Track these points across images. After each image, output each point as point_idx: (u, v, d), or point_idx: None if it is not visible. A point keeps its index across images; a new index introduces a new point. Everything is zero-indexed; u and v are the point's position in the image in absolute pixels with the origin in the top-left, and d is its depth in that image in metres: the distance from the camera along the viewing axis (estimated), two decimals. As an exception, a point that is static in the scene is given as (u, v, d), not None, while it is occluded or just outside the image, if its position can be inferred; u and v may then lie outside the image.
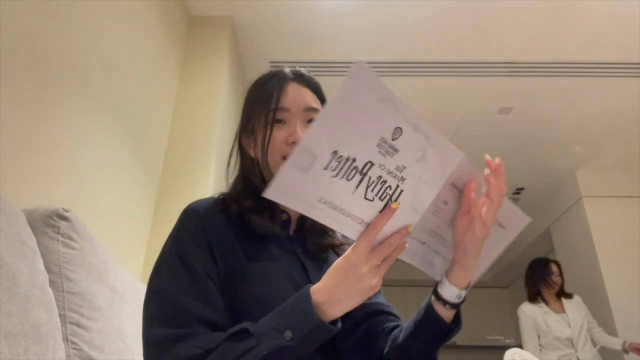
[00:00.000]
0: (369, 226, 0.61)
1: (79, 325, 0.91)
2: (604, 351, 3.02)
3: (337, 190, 0.57)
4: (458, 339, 5.65)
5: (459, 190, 0.65)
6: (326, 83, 0.92)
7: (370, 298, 0.70)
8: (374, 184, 0.58)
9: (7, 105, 1.13)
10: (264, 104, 0.84)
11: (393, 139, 0.56)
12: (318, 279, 0.82)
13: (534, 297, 3.10)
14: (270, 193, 0.54)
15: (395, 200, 0.61)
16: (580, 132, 3.58)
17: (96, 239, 1.09)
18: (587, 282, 3.79)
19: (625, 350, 2.91)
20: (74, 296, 0.93)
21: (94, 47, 1.56)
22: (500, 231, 0.71)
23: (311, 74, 0.91)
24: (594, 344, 3.00)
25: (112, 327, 1.00)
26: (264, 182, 0.84)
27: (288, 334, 0.62)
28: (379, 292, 0.90)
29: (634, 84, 3.06)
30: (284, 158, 0.81)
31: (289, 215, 0.86)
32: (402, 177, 0.59)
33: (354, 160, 0.56)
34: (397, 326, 0.84)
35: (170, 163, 2.24)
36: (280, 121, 0.83)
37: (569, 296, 3.11)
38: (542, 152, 3.85)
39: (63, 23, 1.37)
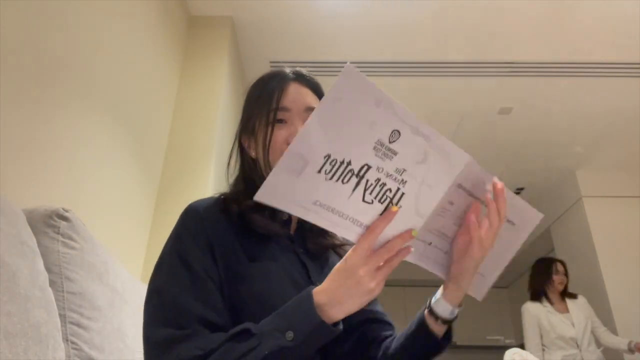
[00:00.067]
0: (368, 229, 0.61)
1: (79, 325, 0.91)
2: (606, 351, 3.01)
3: (332, 193, 0.57)
4: (458, 339, 5.63)
5: (466, 191, 0.65)
6: (326, 83, 0.92)
7: (368, 304, 0.70)
8: (372, 187, 0.58)
9: (8, 105, 1.13)
10: (264, 104, 0.84)
11: (391, 142, 0.55)
12: (319, 279, 0.82)
13: (538, 296, 3.08)
14: (260, 196, 0.54)
15: (397, 203, 0.60)
16: (580, 132, 3.58)
17: (96, 239, 1.09)
18: (587, 282, 3.79)
19: (631, 350, 2.89)
20: (74, 296, 0.93)
21: (94, 47, 1.56)
22: (512, 230, 0.70)
23: (312, 74, 0.91)
24: (598, 344, 2.98)
25: (112, 327, 1.00)
26: (264, 180, 0.84)
27: (289, 335, 0.62)
28: (375, 299, 0.90)
29: (634, 84, 3.06)
30: None
31: (289, 215, 0.86)
32: (402, 179, 0.58)
33: (349, 163, 0.55)
34: (390, 336, 0.85)
35: (170, 163, 2.24)
36: (281, 121, 0.83)
37: (573, 296, 3.09)
38: (542, 152, 3.86)
39: (63, 23, 1.38)
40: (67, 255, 0.96)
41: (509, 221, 0.70)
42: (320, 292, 0.64)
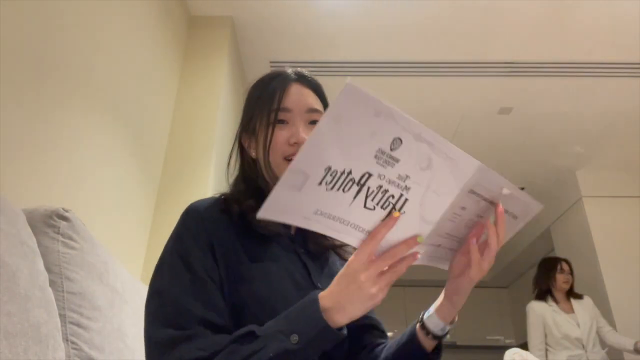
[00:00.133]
0: (370, 235, 0.60)
1: (79, 325, 0.91)
2: (610, 352, 2.99)
3: (333, 202, 0.57)
4: (458, 339, 5.67)
5: (479, 196, 0.64)
6: (326, 83, 0.92)
7: None
8: (373, 194, 0.58)
9: (8, 105, 1.13)
10: (266, 104, 0.84)
11: (392, 150, 0.55)
12: (319, 279, 0.82)
13: (544, 295, 3.07)
14: (263, 213, 0.55)
15: (400, 209, 0.59)
16: (580, 132, 3.58)
17: (96, 239, 1.09)
18: (587, 282, 3.79)
19: (637, 351, 2.86)
20: (74, 296, 0.93)
21: (93, 47, 1.56)
22: (513, 222, 0.71)
23: (313, 75, 0.91)
24: (602, 345, 2.96)
25: (112, 327, 1.00)
26: (265, 181, 0.84)
27: (294, 338, 0.62)
28: None
29: (634, 84, 3.06)
30: (286, 159, 0.81)
31: None
32: (406, 186, 0.58)
33: (349, 172, 0.55)
34: (381, 344, 0.85)
35: (170, 163, 2.24)
36: (282, 122, 0.83)
37: (578, 297, 3.08)
38: (542, 152, 3.86)
39: (63, 23, 1.37)
40: (67, 255, 0.96)
41: (513, 216, 0.69)
42: (325, 297, 0.64)
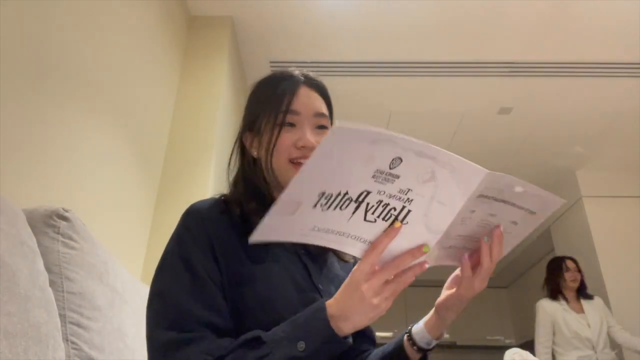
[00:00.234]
0: (372, 245, 0.60)
1: (79, 325, 0.91)
2: (619, 353, 2.97)
3: (330, 220, 0.57)
4: (458, 339, 5.66)
5: (490, 198, 0.63)
6: (326, 83, 0.92)
7: None
8: (373, 208, 0.57)
9: (8, 105, 1.13)
10: (274, 105, 0.83)
11: (392, 168, 0.55)
12: (319, 281, 0.82)
13: (555, 295, 3.06)
14: (257, 237, 0.56)
15: (402, 220, 0.59)
16: (580, 132, 3.58)
17: (96, 239, 1.09)
18: (587, 282, 3.78)
19: None
20: (74, 296, 0.93)
21: (93, 47, 1.56)
22: (531, 218, 0.69)
23: (319, 77, 0.90)
24: (613, 346, 2.94)
25: (112, 327, 1.00)
26: (264, 182, 0.84)
27: (301, 345, 0.62)
28: None
29: (634, 84, 3.06)
30: (291, 161, 0.81)
31: None
32: (408, 198, 0.57)
33: (345, 193, 0.55)
34: (367, 351, 0.86)
35: (170, 163, 2.24)
36: (290, 124, 0.83)
37: (589, 297, 3.07)
38: (542, 152, 3.86)
39: (62, 23, 1.37)
40: (67, 255, 0.96)
41: (530, 212, 0.68)
42: (331, 305, 0.64)
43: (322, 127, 0.85)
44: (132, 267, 1.82)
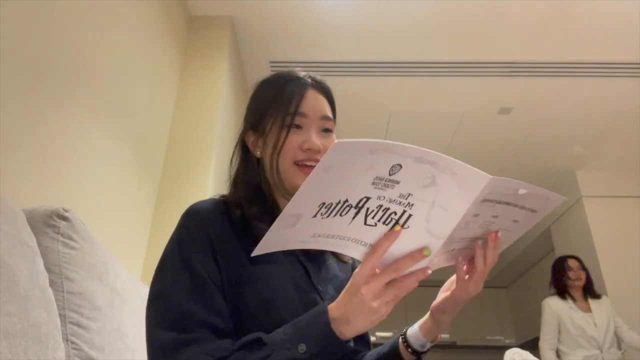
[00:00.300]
0: (372, 248, 0.60)
1: (79, 325, 0.91)
2: (626, 354, 2.96)
3: (330, 225, 0.57)
4: (458, 339, 5.66)
5: (493, 202, 0.63)
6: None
7: None
8: (373, 212, 0.57)
9: (8, 105, 1.13)
10: (281, 106, 0.83)
11: (391, 174, 0.55)
12: (318, 281, 0.82)
13: (562, 294, 3.05)
14: (259, 251, 0.57)
15: (403, 224, 0.59)
16: (580, 132, 3.58)
17: (96, 239, 1.09)
18: (588, 281, 3.79)
19: None
20: (74, 296, 0.93)
21: (93, 47, 1.56)
22: (532, 215, 0.69)
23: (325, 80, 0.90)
24: (620, 346, 2.93)
25: (112, 327, 1.00)
26: (267, 183, 0.84)
27: (302, 347, 0.62)
28: None
29: (634, 84, 3.06)
30: (296, 163, 0.81)
31: None
32: (408, 203, 0.57)
33: (345, 201, 0.56)
34: (360, 352, 0.86)
35: (170, 163, 2.24)
36: (296, 126, 0.83)
37: (596, 297, 3.06)
38: (542, 152, 3.86)
39: (63, 23, 1.37)
40: (67, 255, 0.96)
41: (532, 210, 0.68)
42: (333, 308, 0.64)
43: (327, 130, 0.85)
44: (132, 267, 1.82)
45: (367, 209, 0.57)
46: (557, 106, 3.29)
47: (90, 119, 1.54)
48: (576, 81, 3.05)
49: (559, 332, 2.98)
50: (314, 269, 0.84)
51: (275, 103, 0.84)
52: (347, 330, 0.62)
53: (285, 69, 0.91)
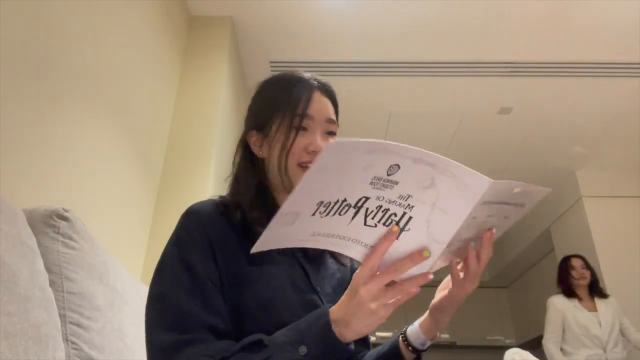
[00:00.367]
0: (371, 250, 0.60)
1: (79, 325, 0.91)
2: (631, 354, 2.95)
3: (330, 224, 0.57)
4: (458, 339, 5.65)
5: (490, 203, 0.62)
6: (326, 83, 0.92)
7: None
8: (373, 213, 0.57)
9: (8, 105, 1.13)
10: (289, 108, 0.83)
11: (389, 175, 0.54)
12: (317, 283, 0.82)
13: (568, 293, 3.05)
14: (258, 248, 0.57)
15: (404, 227, 0.58)
16: (580, 132, 3.58)
17: (96, 239, 1.09)
18: (587, 282, 3.79)
19: None
20: (74, 296, 0.93)
21: (93, 47, 1.56)
22: (520, 209, 0.69)
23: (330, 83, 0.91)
24: (626, 346, 2.92)
25: (112, 327, 1.00)
26: (270, 182, 0.84)
27: (303, 350, 0.62)
28: None
29: (634, 84, 3.06)
30: (300, 165, 0.81)
31: None
32: (408, 204, 0.57)
33: (344, 200, 0.55)
34: (359, 353, 0.86)
35: (170, 163, 2.24)
36: (303, 128, 0.83)
37: (603, 296, 3.05)
38: (542, 152, 3.86)
39: (63, 22, 1.38)
40: (67, 255, 0.96)
41: (520, 205, 0.69)
42: (334, 310, 0.64)
43: (331, 133, 0.86)
44: (132, 267, 1.82)
45: (367, 209, 0.57)
46: (557, 106, 3.29)
47: (90, 119, 1.54)
48: (576, 81, 3.05)
49: (563, 331, 2.98)
50: (313, 270, 0.84)
51: (282, 104, 0.84)
52: (347, 332, 0.62)
53: (288, 70, 0.91)
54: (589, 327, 2.89)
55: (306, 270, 0.82)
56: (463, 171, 0.55)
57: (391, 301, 0.60)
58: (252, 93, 0.93)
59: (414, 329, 0.78)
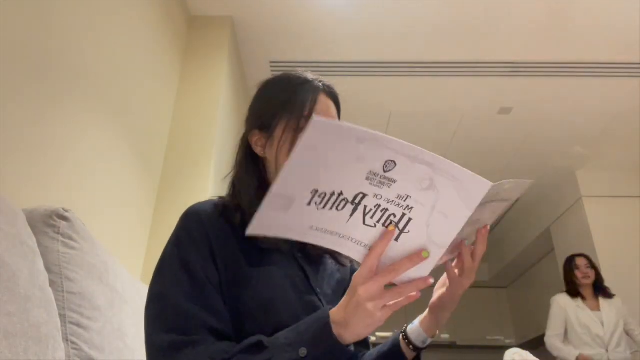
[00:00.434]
0: (369, 250, 0.60)
1: (79, 325, 0.91)
2: (634, 354, 2.95)
3: (328, 220, 0.57)
4: (458, 339, 5.65)
5: (486, 203, 0.61)
6: (326, 83, 0.92)
7: None
8: (372, 212, 0.57)
9: (8, 105, 1.13)
10: (295, 109, 0.83)
11: (386, 171, 0.54)
12: (317, 284, 0.82)
13: (572, 292, 3.06)
14: (253, 231, 0.56)
15: (403, 228, 0.58)
16: (580, 132, 3.58)
17: (96, 239, 1.09)
18: (587, 282, 3.79)
19: None
20: (74, 296, 0.93)
21: (93, 47, 1.56)
22: (505, 204, 0.70)
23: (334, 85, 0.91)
24: (631, 346, 2.91)
25: (112, 327, 1.00)
26: (267, 182, 0.84)
27: (303, 351, 0.61)
28: None
29: (634, 84, 3.06)
30: None
31: None
32: (407, 205, 0.56)
33: (340, 193, 0.55)
34: (361, 351, 0.86)
35: (170, 163, 2.24)
36: None
37: (608, 296, 3.04)
38: (542, 152, 3.86)
39: (63, 22, 1.38)
40: (67, 255, 0.96)
41: (505, 200, 0.69)
42: (334, 312, 0.64)
43: None
44: (132, 267, 1.82)
45: (365, 207, 0.56)
46: (557, 106, 3.29)
47: (90, 119, 1.54)
48: (576, 81, 3.05)
49: (566, 330, 2.98)
50: (313, 271, 0.84)
51: (288, 105, 0.84)
52: (346, 334, 0.62)
53: (292, 70, 0.90)
54: (590, 327, 2.89)
55: (305, 271, 0.82)
56: (463, 174, 0.54)
57: (390, 303, 0.60)
58: (253, 93, 0.93)
59: (415, 327, 0.79)
